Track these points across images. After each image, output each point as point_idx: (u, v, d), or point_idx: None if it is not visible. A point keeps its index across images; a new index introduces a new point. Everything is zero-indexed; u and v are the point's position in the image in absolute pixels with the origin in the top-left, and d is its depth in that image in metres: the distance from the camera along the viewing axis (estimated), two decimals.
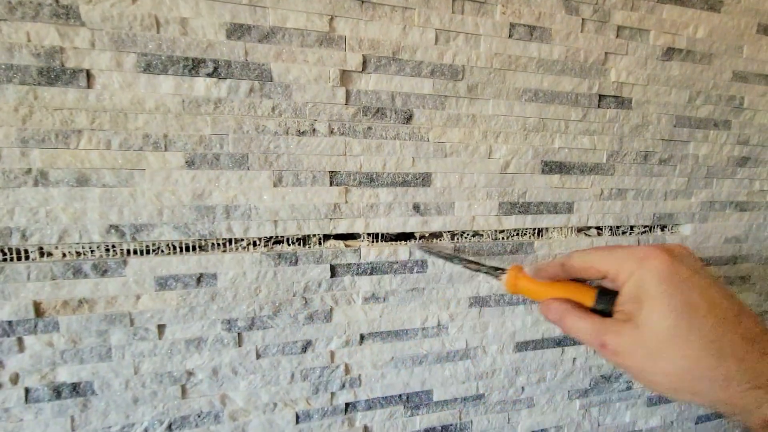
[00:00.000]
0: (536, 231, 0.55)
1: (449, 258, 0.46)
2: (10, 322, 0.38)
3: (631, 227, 0.60)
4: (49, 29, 0.36)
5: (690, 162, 0.60)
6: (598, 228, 0.58)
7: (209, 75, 0.40)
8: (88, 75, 0.37)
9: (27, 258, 0.39)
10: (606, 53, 0.53)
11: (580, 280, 0.30)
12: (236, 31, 0.40)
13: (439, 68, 0.47)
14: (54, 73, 0.36)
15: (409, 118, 0.47)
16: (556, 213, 0.55)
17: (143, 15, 0.38)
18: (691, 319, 0.22)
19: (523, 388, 0.58)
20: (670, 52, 0.55)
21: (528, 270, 0.32)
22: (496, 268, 0.37)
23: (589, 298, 0.28)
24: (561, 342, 0.58)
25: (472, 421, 0.57)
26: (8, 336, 0.39)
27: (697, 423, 0.70)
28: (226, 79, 0.40)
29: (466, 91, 0.48)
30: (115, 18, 0.37)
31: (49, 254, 0.39)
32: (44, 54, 0.36)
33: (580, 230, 0.57)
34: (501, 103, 0.50)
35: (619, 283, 0.26)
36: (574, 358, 0.60)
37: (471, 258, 0.45)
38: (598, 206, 0.57)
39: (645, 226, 0.60)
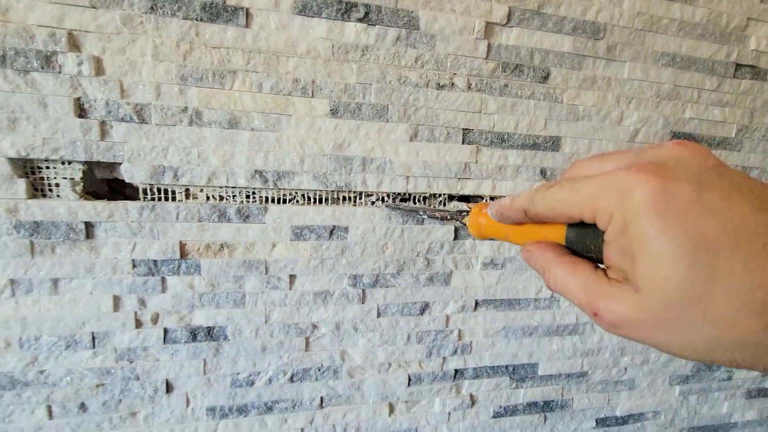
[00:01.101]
0: None
1: (414, 210, 0.41)
2: (155, 261, 0.39)
3: None
4: None
5: None
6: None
7: (360, 20, 0.39)
8: (247, 14, 0.36)
9: (174, 199, 0.39)
10: (748, 19, 0.49)
11: None
12: None
13: (581, 25, 0.44)
14: (216, 9, 0.36)
15: (545, 77, 0.45)
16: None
17: None
18: (712, 266, 0.14)
19: (626, 368, 0.56)
20: None
21: (490, 211, 0.24)
22: (461, 211, 0.32)
23: (559, 237, 0.21)
24: None
25: (573, 399, 0.55)
26: (153, 275, 0.39)
27: None
28: (375, 25, 0.39)
29: (605, 52, 0.46)
30: None
31: (195, 197, 0.39)
32: None
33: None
34: (637, 67, 0.47)
35: (602, 227, 0.17)
36: None
37: (438, 208, 0.41)
38: None
39: None
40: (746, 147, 0.53)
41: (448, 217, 0.34)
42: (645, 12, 0.46)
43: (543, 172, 0.47)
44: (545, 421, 0.55)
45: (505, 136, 0.45)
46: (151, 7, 0.35)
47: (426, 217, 0.41)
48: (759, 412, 0.65)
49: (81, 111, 0.35)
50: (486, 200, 0.47)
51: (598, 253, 0.18)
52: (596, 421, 0.57)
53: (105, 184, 0.39)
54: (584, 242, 0.19)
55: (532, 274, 0.49)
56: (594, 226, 0.18)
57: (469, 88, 0.43)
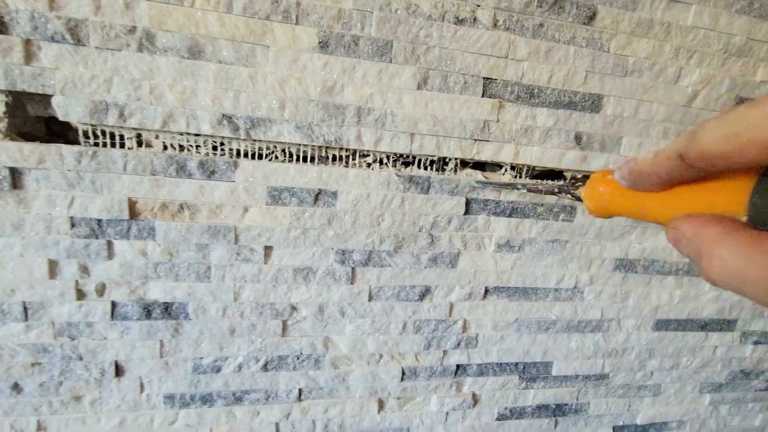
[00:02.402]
0: None
1: (509, 185, 0.35)
2: (99, 221, 0.32)
3: None
4: None
5: None
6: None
7: None
8: None
9: (123, 146, 0.32)
10: None
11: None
12: None
13: None
14: None
15: (591, 17, 0.36)
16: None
17: None
18: None
19: (652, 372, 0.49)
20: None
21: (619, 174, 0.17)
22: (574, 181, 0.24)
23: (737, 204, 0.13)
24: (707, 326, 0.49)
25: (589, 403, 0.49)
26: (97, 237, 0.32)
27: None
28: None
29: None
30: None
31: (149, 145, 0.32)
32: None
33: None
34: (705, 12, 0.38)
35: None
36: (716, 347, 0.50)
37: (539, 182, 0.33)
38: None
39: None
40: None
41: (555, 191, 0.27)
42: None
43: (578, 138, 0.39)
44: (556, 426, 0.48)
45: (535, 90, 0.37)
46: None
47: (526, 191, 0.34)
48: None
49: (0, 25, 0.27)
50: (505, 169, 0.39)
51: None
52: (613, 429, 0.50)
53: (43, 124, 0.32)
54: None
55: (555, 260, 0.42)
56: None
57: (495, 25, 0.34)
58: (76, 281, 0.33)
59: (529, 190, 0.34)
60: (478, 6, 0.34)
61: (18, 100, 0.30)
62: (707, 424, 0.54)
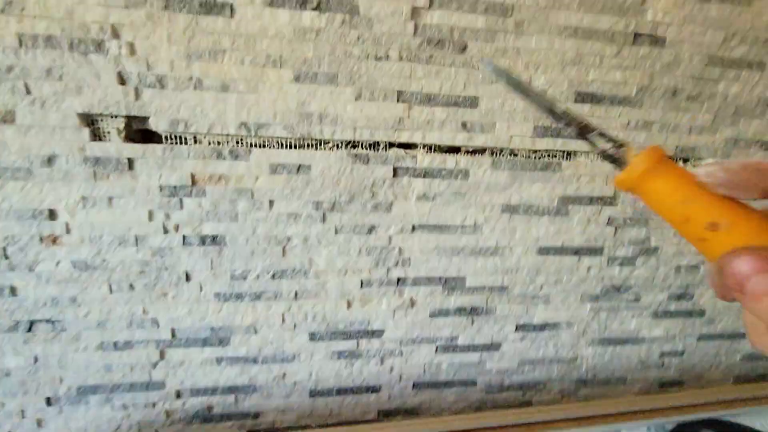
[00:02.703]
0: (565, 153, 0.65)
1: (542, 105, 0.25)
2: (175, 187, 0.56)
3: None
4: None
5: (718, 100, 0.66)
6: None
7: (313, 9, 0.53)
8: (232, 8, 0.51)
9: (186, 142, 0.55)
10: None
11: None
12: None
13: (492, 6, 0.56)
14: (209, 5, 0.51)
15: (463, 49, 0.57)
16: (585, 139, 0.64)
17: None
18: None
19: (541, 286, 0.71)
20: None
21: (706, 170, 0.16)
22: (615, 141, 0.21)
23: None
24: (578, 251, 0.69)
25: (496, 307, 0.70)
26: (173, 197, 0.56)
27: (699, 339, 0.80)
28: (325, 12, 0.53)
29: (514, 27, 0.58)
30: None
31: (200, 142, 0.56)
32: None
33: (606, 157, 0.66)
34: (543, 39, 0.59)
35: None
36: (589, 267, 0.71)
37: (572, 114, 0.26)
38: (624, 135, 0.65)
39: (668, 157, 0.68)
40: (647, 104, 0.64)
41: (593, 132, 0.23)
42: None
43: (464, 125, 0.60)
44: (473, 323, 0.70)
45: (432, 96, 0.58)
46: (165, 6, 0.50)
47: (562, 123, 0.27)
48: (665, 329, 0.78)
49: (122, 80, 0.51)
50: (419, 147, 0.61)
51: None
52: (516, 327, 0.72)
53: (140, 133, 0.56)
54: None
55: (458, 206, 0.64)
56: None
57: (401, 59, 0.56)
58: (163, 223, 0.57)
59: (566, 123, 0.25)
60: (389, 48, 0.56)
61: (130, 120, 0.54)
62: (591, 326, 0.75)
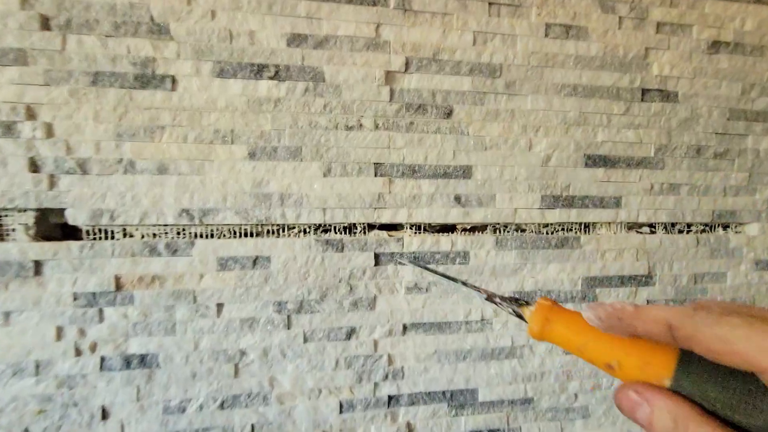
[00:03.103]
0: (582, 226, 0.54)
1: (450, 279, 0.32)
2: (94, 294, 0.44)
3: (689, 225, 0.57)
4: (145, 43, 0.43)
5: (750, 156, 0.57)
6: (650, 225, 0.56)
7: (271, 78, 0.45)
8: (173, 80, 0.44)
9: (113, 237, 0.44)
10: (646, 48, 0.53)
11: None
12: (295, 39, 0.46)
13: (478, 67, 0.49)
14: (146, 78, 0.43)
15: (449, 114, 0.49)
16: (603, 207, 0.54)
17: (219, 29, 0.44)
18: None
19: (576, 395, 0.55)
20: (716, 46, 0.55)
21: (590, 314, 0.19)
22: (517, 300, 0.24)
23: (665, 368, 0.16)
24: None
25: (521, 428, 0.54)
26: (91, 306, 0.44)
27: None
28: (285, 81, 0.46)
29: (504, 88, 0.50)
30: (197, 32, 0.44)
31: (131, 235, 0.45)
32: (140, 63, 0.43)
33: (630, 227, 0.55)
34: (539, 98, 0.51)
35: None
36: None
37: (480, 287, 0.28)
38: (649, 201, 0.55)
39: (704, 224, 0.57)
40: (669, 165, 0.55)
41: (496, 301, 0.25)
42: (539, 51, 0.51)
43: (457, 199, 0.50)
44: None
45: (416, 167, 0.49)
46: (93, 81, 0.42)
47: (465, 289, 0.31)
48: None
49: (34, 167, 0.42)
50: (405, 228, 0.50)
51: (740, 422, 0.14)
52: None
53: (59, 228, 0.45)
54: (715, 396, 0.14)
55: (460, 296, 0.51)
56: (740, 383, 0.14)
57: (376, 127, 0.48)
58: (75, 341, 0.44)
59: (466, 286, 0.30)
60: (362, 116, 0.48)
61: (43, 213, 0.43)
62: None
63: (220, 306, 0.46)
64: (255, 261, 0.46)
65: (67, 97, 0.42)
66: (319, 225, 0.48)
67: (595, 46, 0.52)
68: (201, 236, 0.46)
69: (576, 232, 0.54)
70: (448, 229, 0.51)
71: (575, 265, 0.53)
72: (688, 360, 0.15)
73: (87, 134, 0.43)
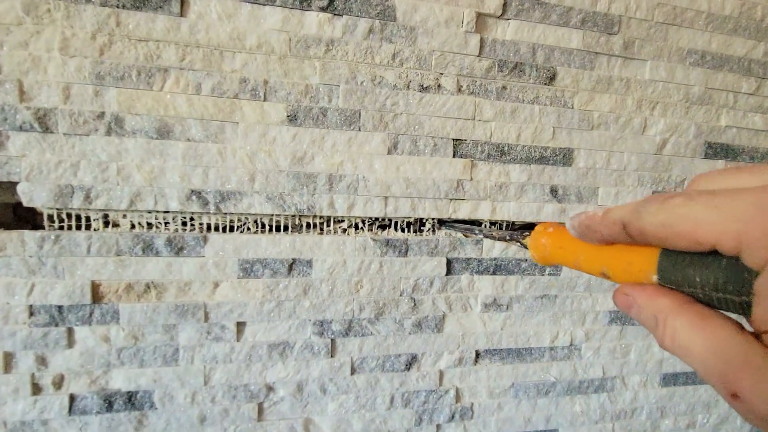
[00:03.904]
0: None
1: (467, 230, 0.35)
2: (60, 308, 0.30)
3: None
4: None
5: None
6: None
7: (323, 9, 0.32)
8: (182, 1, 0.30)
9: (89, 227, 0.31)
10: None
11: None
12: None
13: (592, 17, 0.37)
14: None
15: (551, 78, 0.37)
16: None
17: None
18: None
19: None
20: None
21: (569, 224, 0.18)
22: (522, 231, 0.25)
23: (648, 264, 0.15)
24: None
25: None
26: (56, 325, 0.30)
27: None
28: (342, 15, 0.32)
29: (621, 49, 0.38)
30: None
31: (116, 225, 0.31)
32: None
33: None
34: (661, 66, 0.40)
35: (753, 265, 0.12)
36: None
37: (494, 229, 0.34)
38: None
39: None
40: None
41: (507, 238, 0.28)
42: (666, 2, 0.39)
43: (554, 191, 0.38)
44: None
45: (506, 148, 0.37)
46: None
47: (482, 236, 0.36)
48: None
49: None
50: (486, 225, 0.38)
51: (728, 302, 0.13)
52: None
53: (9, 211, 0.31)
54: (699, 279, 0.13)
55: (546, 316, 0.40)
56: (724, 259, 0.12)
57: (459, 90, 0.36)
58: (32, 374, 0.30)
59: (485, 236, 0.35)
60: (441, 74, 0.35)
61: None
62: None
63: (241, 326, 0.33)
64: (291, 266, 0.34)
65: (21, 14, 0.28)
66: (377, 219, 0.36)
67: (730, 4, 0.40)
68: (217, 229, 0.33)
69: None
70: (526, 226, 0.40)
71: None
72: (668, 252, 0.14)
73: (51, 73, 0.28)
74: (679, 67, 0.40)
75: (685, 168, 0.42)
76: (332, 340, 0.35)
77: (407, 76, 0.34)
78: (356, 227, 0.36)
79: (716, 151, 0.42)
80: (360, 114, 0.34)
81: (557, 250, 0.19)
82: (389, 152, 0.35)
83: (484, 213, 0.37)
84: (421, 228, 0.37)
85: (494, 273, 0.38)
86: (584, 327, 0.41)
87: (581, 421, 0.42)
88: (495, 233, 0.30)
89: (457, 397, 0.39)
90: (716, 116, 0.42)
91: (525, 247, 0.23)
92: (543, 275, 0.39)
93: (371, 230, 0.36)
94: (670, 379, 0.44)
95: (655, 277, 0.15)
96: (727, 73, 0.42)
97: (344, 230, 0.35)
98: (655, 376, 0.44)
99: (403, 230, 0.36)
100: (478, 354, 0.39)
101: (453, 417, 0.39)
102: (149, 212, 0.31)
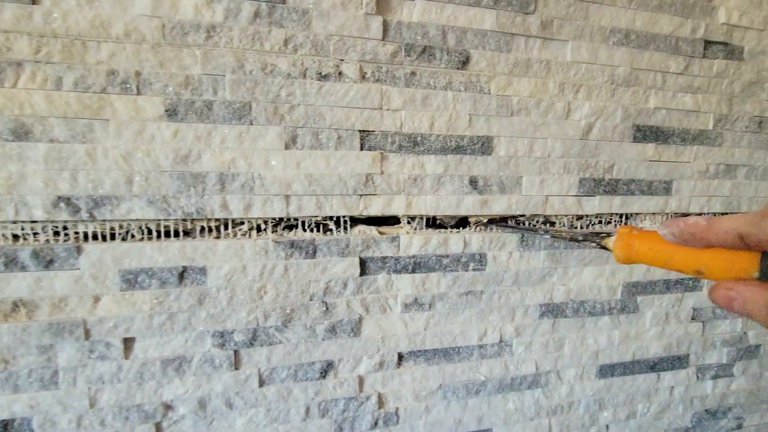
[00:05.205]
0: (623, 218, 0.42)
1: (531, 230, 0.37)
2: None
3: None
4: None
5: None
6: (701, 215, 0.45)
7: None
8: None
9: None
10: None
11: None
12: None
13: None
14: None
15: (464, 62, 0.35)
16: (651, 194, 0.42)
17: None
18: None
19: (608, 426, 0.44)
20: None
21: (666, 230, 0.20)
22: (598, 234, 0.27)
23: (751, 264, 0.17)
24: (656, 365, 0.45)
25: None
26: None
27: None
28: None
29: (539, 29, 0.36)
30: None
31: None
32: None
33: (546, 222, 0.44)
34: (583, 47, 0.38)
35: None
36: (672, 387, 0.46)
37: (562, 229, 0.37)
38: (703, 186, 0.43)
39: None
40: (728, 141, 0.44)
41: (580, 239, 0.29)
42: None
43: (474, 182, 0.36)
44: None
45: (418, 138, 0.35)
46: None
47: (548, 237, 0.35)
48: None
49: None
50: (403, 222, 0.36)
51: None
52: None
53: None
54: None
55: (473, 314, 0.38)
56: None
57: (363, 78, 0.33)
58: None
59: (552, 236, 0.34)
60: (342, 60, 0.32)
61: None
62: None
63: (128, 342, 0.31)
64: (182, 274, 0.31)
65: None
66: (281, 220, 0.33)
67: None
68: (96, 238, 0.30)
69: (615, 226, 0.42)
70: (459, 224, 0.38)
71: (615, 267, 0.42)
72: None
73: None
74: (603, 47, 0.38)
75: (613, 153, 0.40)
76: (235, 351, 0.33)
77: (303, 64, 0.32)
78: (258, 229, 0.33)
79: (645, 134, 0.41)
80: (251, 106, 0.31)
81: (647, 251, 0.21)
82: (287, 147, 0.32)
83: (398, 208, 0.35)
84: (327, 227, 0.34)
85: (413, 271, 0.36)
86: (514, 322, 0.39)
87: (515, 418, 0.41)
88: (565, 233, 0.31)
89: (380, 403, 0.37)
90: (644, 98, 0.41)
91: (603, 247, 0.25)
92: (467, 271, 0.37)
93: (275, 231, 0.33)
94: (607, 371, 0.43)
95: (756, 274, 0.17)
96: (654, 52, 0.40)
97: (245, 233, 0.33)
98: (592, 368, 0.43)
99: (312, 230, 0.34)
100: (401, 356, 0.37)
101: (376, 424, 0.37)
102: (12, 222, 0.28)
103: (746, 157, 0.45)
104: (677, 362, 0.45)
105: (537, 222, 0.39)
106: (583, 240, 0.28)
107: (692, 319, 0.45)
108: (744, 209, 0.46)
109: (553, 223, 0.40)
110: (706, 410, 0.48)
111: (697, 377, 0.47)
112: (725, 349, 0.47)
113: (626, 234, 0.23)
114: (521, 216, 0.39)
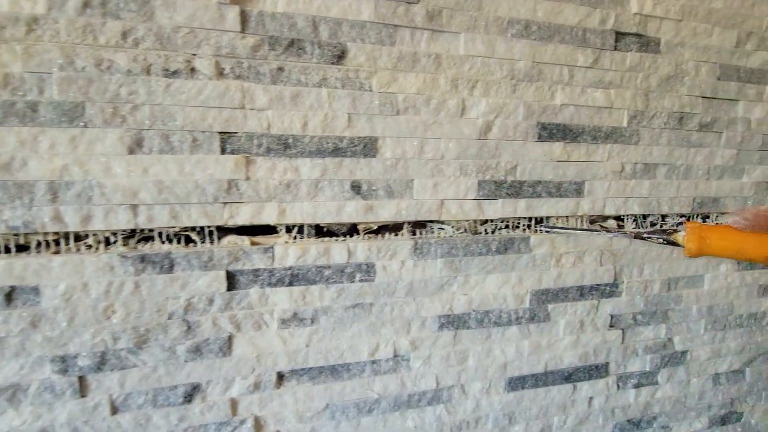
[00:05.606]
0: (533, 222, 0.40)
1: (587, 230, 0.39)
2: None
3: (663, 216, 0.44)
4: None
5: (740, 128, 0.45)
6: (618, 218, 0.43)
7: None
8: None
9: None
10: None
11: None
12: None
13: None
14: None
15: (340, 56, 0.32)
16: (560, 196, 0.39)
17: None
18: None
19: None
20: None
21: (741, 217, 0.23)
22: (665, 230, 0.29)
23: None
24: (571, 375, 0.42)
25: None
26: None
27: None
28: None
29: (426, 20, 0.34)
30: None
31: None
32: None
33: (594, 221, 0.42)
34: (477, 39, 0.35)
35: None
36: (591, 398, 0.44)
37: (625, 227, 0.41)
38: (618, 187, 0.41)
39: (681, 215, 0.45)
40: (645, 138, 0.41)
41: (644, 236, 0.30)
42: None
43: (356, 187, 0.34)
44: None
45: (290, 140, 0.32)
46: None
47: (611, 235, 0.36)
48: None
49: None
50: (280, 231, 0.33)
51: None
52: None
53: None
54: None
55: (363, 327, 0.36)
56: None
57: (220, 74, 0.30)
58: None
59: (613, 234, 0.35)
60: (194, 55, 0.29)
61: None
62: None
63: None
64: (9, 295, 0.28)
65: None
66: (133, 232, 0.30)
67: None
68: None
69: (524, 230, 0.39)
70: (345, 232, 0.35)
71: (522, 275, 0.39)
72: None
73: None
74: (500, 40, 0.36)
75: (515, 153, 0.38)
76: (80, 377, 0.30)
77: (146, 59, 0.29)
78: (108, 243, 0.30)
79: (551, 132, 0.38)
80: (84, 107, 0.28)
81: (719, 241, 0.23)
82: (132, 152, 0.29)
83: (270, 216, 0.32)
84: (190, 238, 0.31)
85: (291, 284, 0.33)
86: (410, 335, 0.37)
87: None
88: (628, 231, 0.33)
89: (258, 426, 0.34)
90: (549, 94, 0.38)
91: (672, 243, 0.27)
92: (353, 282, 0.35)
93: (126, 244, 0.30)
94: (516, 383, 0.41)
95: None
96: (559, 44, 0.37)
97: (86, 248, 0.29)
98: (500, 380, 0.40)
99: (166, 241, 0.31)
100: (281, 376, 0.34)
101: None
102: None
103: (666, 156, 0.42)
104: (595, 372, 0.43)
105: (431, 228, 0.37)
106: (648, 237, 0.29)
107: (610, 326, 0.43)
108: (665, 210, 0.43)
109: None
110: (628, 420, 0.46)
111: (618, 386, 0.45)
112: (648, 357, 0.45)
113: (697, 227, 0.25)
114: (412, 222, 0.36)
